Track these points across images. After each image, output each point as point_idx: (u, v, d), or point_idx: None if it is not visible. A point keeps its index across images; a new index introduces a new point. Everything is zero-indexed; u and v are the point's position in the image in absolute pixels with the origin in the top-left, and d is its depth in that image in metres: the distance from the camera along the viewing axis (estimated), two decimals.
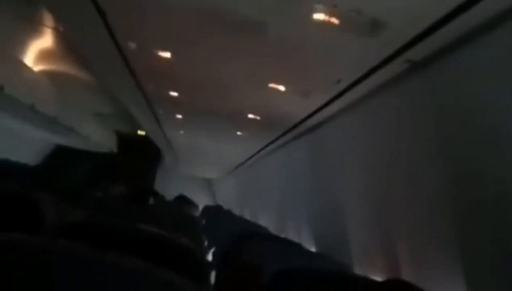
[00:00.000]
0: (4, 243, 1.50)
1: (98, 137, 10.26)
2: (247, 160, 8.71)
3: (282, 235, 5.90)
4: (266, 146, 6.67)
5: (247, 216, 9.64)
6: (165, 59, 3.91)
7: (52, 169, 7.98)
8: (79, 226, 2.38)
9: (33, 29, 5.57)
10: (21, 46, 5.86)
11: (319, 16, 2.45)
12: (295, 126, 4.93)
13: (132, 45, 3.85)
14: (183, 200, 9.56)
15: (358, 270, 3.81)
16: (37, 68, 6.60)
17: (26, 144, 8.98)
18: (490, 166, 2.25)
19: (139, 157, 12.95)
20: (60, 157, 10.48)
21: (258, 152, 7.44)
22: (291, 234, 5.88)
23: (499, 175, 2.17)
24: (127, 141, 12.44)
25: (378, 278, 3.26)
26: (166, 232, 2.44)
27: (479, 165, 2.34)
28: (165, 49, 3.76)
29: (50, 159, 10.24)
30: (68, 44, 5.92)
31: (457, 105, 2.46)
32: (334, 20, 2.45)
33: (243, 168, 9.85)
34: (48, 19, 4.89)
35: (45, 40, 6.03)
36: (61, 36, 5.83)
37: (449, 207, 2.60)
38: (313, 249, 4.92)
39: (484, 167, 2.30)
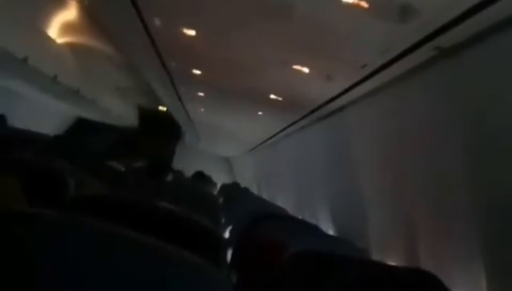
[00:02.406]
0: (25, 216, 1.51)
1: (119, 111, 10.29)
2: (267, 140, 8.69)
3: (300, 217, 5.89)
4: (287, 127, 6.64)
5: (265, 196, 9.64)
6: (190, 36, 3.90)
7: (73, 141, 8.04)
8: (98, 199, 2.39)
9: (57, 2, 5.58)
10: (46, 18, 5.87)
11: None
12: (317, 108, 4.89)
13: (157, 21, 3.84)
14: (201, 177, 9.59)
15: (375, 255, 3.80)
16: (61, 40, 6.61)
17: (48, 116, 9.04)
18: None
19: (159, 132, 12.97)
20: (81, 129, 10.54)
21: (278, 132, 7.41)
22: (308, 216, 5.88)
23: None
24: (148, 116, 12.47)
25: (395, 264, 3.25)
26: (183, 209, 2.44)
27: (503, 157, 2.31)
28: (189, 26, 3.75)
29: (71, 131, 10.31)
30: (92, 17, 5.92)
31: (483, 95, 2.43)
32: (364, 4, 2.42)
33: (262, 147, 9.82)
34: None
35: (70, 13, 6.04)
36: (86, 9, 5.82)
37: (471, 196, 2.58)
38: (330, 232, 4.91)
39: (508, 158, 2.27)
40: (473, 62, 2.48)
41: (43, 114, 8.58)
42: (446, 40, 2.48)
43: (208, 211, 3.52)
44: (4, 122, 5.97)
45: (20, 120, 6.35)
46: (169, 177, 6.56)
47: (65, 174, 2.69)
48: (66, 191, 2.57)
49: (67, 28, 6.44)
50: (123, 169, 6.95)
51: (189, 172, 10.48)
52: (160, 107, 11.99)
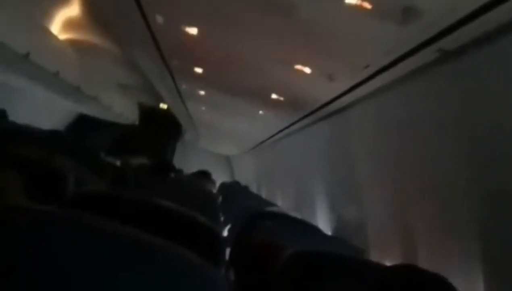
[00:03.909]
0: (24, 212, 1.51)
1: (121, 108, 10.29)
2: (267, 139, 8.69)
3: (299, 216, 5.90)
4: (288, 126, 6.63)
5: (264, 195, 9.65)
6: (191, 34, 3.90)
7: (74, 137, 8.04)
8: (98, 196, 2.39)
9: (63, 1, 5.59)
10: (48, 14, 5.87)
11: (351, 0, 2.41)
12: (318, 108, 4.88)
13: (159, 19, 3.85)
14: (201, 175, 9.60)
15: (374, 256, 3.80)
16: (63, 36, 6.61)
17: (49, 112, 9.04)
18: None
19: (160, 129, 12.98)
20: (82, 125, 10.54)
21: (279, 132, 7.41)
22: (307, 216, 5.88)
23: None
24: (149, 114, 12.47)
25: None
26: (183, 207, 2.45)
27: (503, 158, 2.31)
28: (191, 24, 3.75)
29: (73, 127, 10.31)
30: (95, 14, 5.92)
31: (486, 97, 2.42)
32: (367, 5, 2.41)
33: (263, 146, 9.83)
34: None
35: (72, 9, 6.04)
36: (88, 6, 5.83)
37: (470, 197, 2.58)
38: (329, 232, 4.91)
39: (507, 159, 2.28)
40: (476, 65, 2.48)
41: (44, 110, 8.58)
42: (449, 42, 2.48)
43: (207, 209, 3.53)
44: (4, 117, 5.97)
45: (21, 115, 6.34)
46: (170, 175, 6.57)
47: (65, 169, 2.69)
48: (67, 187, 2.57)
49: (70, 24, 6.44)
50: (123, 166, 6.97)
51: (189, 170, 10.49)
52: (161, 105, 11.99)
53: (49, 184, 2.48)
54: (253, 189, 10.77)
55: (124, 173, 5.03)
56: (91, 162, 4.38)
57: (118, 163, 7.17)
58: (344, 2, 2.42)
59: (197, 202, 3.24)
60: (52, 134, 5.55)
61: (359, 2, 2.40)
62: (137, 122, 12.28)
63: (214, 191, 9.09)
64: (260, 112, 6.47)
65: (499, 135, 2.35)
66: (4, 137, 4.03)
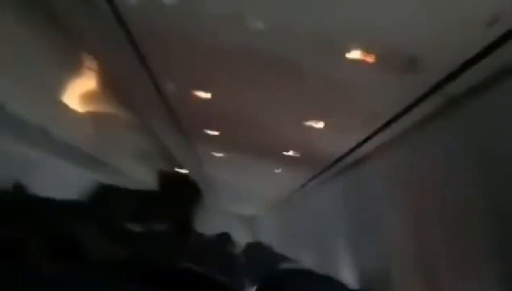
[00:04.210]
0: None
1: (140, 176, 10.34)
2: (288, 196, 8.69)
3: (323, 273, 5.83)
4: (306, 183, 6.65)
5: (289, 253, 9.56)
6: (204, 98, 3.98)
7: (94, 206, 8.08)
8: (120, 263, 2.41)
9: (76, 73, 5.73)
10: (65, 89, 6.02)
11: (354, 55, 2.47)
12: (334, 163, 4.91)
13: (171, 86, 3.94)
14: (223, 237, 9.54)
15: None
16: (81, 110, 6.75)
17: (70, 183, 9.12)
18: None
19: (180, 195, 12.95)
20: (103, 194, 10.59)
21: (298, 189, 7.42)
22: (333, 271, 5.82)
23: None
24: (169, 180, 12.45)
25: None
26: (205, 270, 2.45)
27: None
28: (203, 89, 3.83)
29: (93, 197, 10.36)
30: (110, 84, 6.05)
31: (494, 139, 2.44)
32: (370, 59, 2.48)
33: (283, 204, 9.81)
34: (91, 62, 5.02)
35: (89, 82, 6.19)
36: (103, 77, 5.97)
37: (488, 240, 2.56)
38: (355, 285, 4.85)
39: None
40: (482, 108, 2.51)
41: (65, 182, 8.66)
42: (454, 87, 2.52)
43: (230, 271, 3.52)
44: (22, 190, 6.04)
45: (41, 188, 6.41)
46: (192, 238, 6.56)
47: (86, 237, 2.72)
48: (87, 255, 2.59)
49: (87, 97, 6.58)
50: (143, 232, 6.97)
51: (211, 232, 10.43)
52: (180, 170, 12.06)
53: (69, 252, 2.50)
54: (278, 248, 10.68)
55: (145, 239, 5.04)
56: (110, 230, 4.41)
57: (138, 229, 7.17)
58: (347, 58, 2.48)
59: (217, 264, 3.24)
60: (70, 203, 5.59)
61: (362, 57, 2.45)
62: (157, 189, 12.31)
63: (238, 252, 9.03)
64: (278, 170, 6.50)
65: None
66: (24, 209, 4.08)
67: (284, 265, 5.62)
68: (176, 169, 12.36)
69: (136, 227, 6.58)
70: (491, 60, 2.16)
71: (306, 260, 7.50)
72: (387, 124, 3.32)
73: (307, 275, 4.39)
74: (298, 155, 5.21)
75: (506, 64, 2.19)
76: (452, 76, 2.40)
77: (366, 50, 2.43)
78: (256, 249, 9.63)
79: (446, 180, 3.05)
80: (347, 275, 5.30)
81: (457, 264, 2.99)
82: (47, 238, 2.36)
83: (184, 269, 2.40)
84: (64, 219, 3.50)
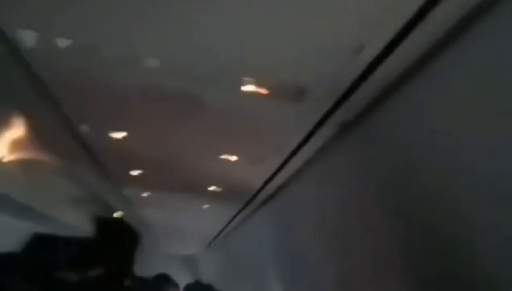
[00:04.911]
0: None
1: (74, 222, 10.17)
2: (221, 231, 8.73)
3: None
4: (234, 217, 6.73)
5: (228, 289, 9.55)
6: (122, 139, 4.02)
7: (26, 255, 7.91)
8: None
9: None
10: None
11: (248, 88, 2.61)
12: (255, 195, 5.02)
13: (87, 128, 3.97)
14: (162, 279, 9.45)
15: None
16: (6, 158, 6.66)
17: (2, 234, 8.88)
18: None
19: (116, 239, 12.75)
20: (38, 244, 10.33)
21: (229, 222, 7.48)
22: None
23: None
24: (103, 225, 12.28)
25: None
26: None
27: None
28: (119, 129, 3.88)
29: (28, 247, 10.10)
30: (34, 132, 6.01)
31: (393, 158, 2.60)
32: (263, 91, 2.62)
33: (219, 240, 9.83)
34: (6, 113, 5.01)
35: (14, 131, 6.13)
36: (28, 126, 5.93)
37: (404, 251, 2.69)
38: None
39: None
40: (374, 135, 2.68)
41: None
42: (344, 114, 2.69)
43: None
44: None
45: None
46: (127, 282, 6.49)
47: (17, 288, 2.72)
48: None
49: (14, 146, 6.51)
50: (77, 279, 6.86)
51: (150, 274, 10.32)
52: (115, 214, 11.92)
53: None
54: (217, 285, 10.64)
55: (80, 286, 5.00)
56: (43, 279, 4.36)
57: (73, 276, 7.05)
58: (242, 91, 2.62)
59: None
60: (5, 257, 5.48)
61: (256, 89, 2.59)
62: (93, 235, 12.08)
63: None
64: (205, 206, 6.55)
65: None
66: None
67: None
68: (109, 213, 12.22)
69: (70, 275, 6.48)
70: (374, 82, 2.33)
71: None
72: (292, 154, 3.46)
73: None
74: (219, 190, 5.30)
75: (380, 90, 2.37)
76: (338, 103, 2.56)
77: (259, 83, 2.57)
78: (196, 288, 9.58)
79: (357, 198, 3.19)
80: None
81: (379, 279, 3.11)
82: None
83: None
84: None
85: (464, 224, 2.08)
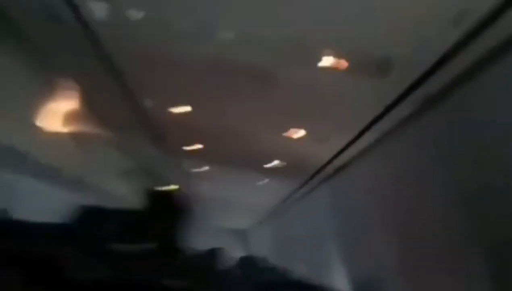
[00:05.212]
0: None
1: (126, 195, 10.29)
2: (277, 207, 8.67)
3: (317, 282, 5.82)
4: (294, 192, 6.63)
5: (283, 264, 9.53)
6: (184, 113, 3.95)
7: (79, 228, 8.03)
8: (103, 282, 2.39)
9: (54, 95, 5.69)
10: (42, 110, 5.98)
11: (327, 61, 2.47)
12: (318, 171, 4.90)
13: (150, 102, 3.91)
14: (216, 252, 9.48)
15: None
16: (61, 132, 6.70)
17: (54, 206, 9.04)
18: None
19: (168, 212, 12.91)
20: (87, 215, 10.51)
21: (286, 199, 7.41)
22: (326, 280, 5.80)
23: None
24: (156, 197, 12.44)
25: None
26: (186, 285, 2.43)
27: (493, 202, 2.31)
28: (182, 103, 3.81)
29: (77, 218, 10.29)
30: (91, 105, 6.02)
31: (471, 139, 2.44)
32: (342, 65, 2.47)
33: (275, 216, 9.80)
34: (68, 83, 4.98)
35: (66, 104, 6.14)
36: (83, 98, 5.93)
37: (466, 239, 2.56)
38: None
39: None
40: (459, 108, 2.50)
41: (49, 205, 8.57)
42: (429, 88, 2.52)
43: (217, 284, 3.49)
44: (6, 216, 5.97)
45: (25, 213, 6.34)
46: (180, 256, 6.51)
47: (69, 258, 2.70)
48: (71, 277, 2.57)
49: (68, 119, 6.54)
50: (130, 252, 6.91)
51: (202, 248, 10.38)
52: (166, 187, 12.01)
53: (51, 274, 2.48)
54: (271, 260, 10.64)
55: (131, 258, 5.01)
56: (96, 251, 4.37)
57: (124, 249, 7.11)
58: (320, 64, 2.47)
59: (203, 279, 3.21)
60: (56, 225, 5.54)
61: (334, 63, 2.45)
62: (143, 208, 12.25)
63: (230, 266, 8.97)
64: (265, 180, 6.47)
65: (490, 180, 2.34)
66: (8, 235, 4.04)
67: (277, 277, 5.60)
68: (163, 186, 12.34)
69: (122, 248, 6.50)
70: (460, 59, 2.16)
71: (300, 270, 7.47)
72: (365, 129, 3.32)
73: (299, 285, 4.38)
74: (282, 165, 5.20)
75: (477, 60, 2.19)
76: (424, 77, 2.40)
77: (338, 56, 2.43)
78: (250, 262, 9.59)
79: (428, 183, 3.05)
80: (340, 283, 5.29)
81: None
82: (31, 261, 2.34)
83: (163, 286, 2.38)
84: (48, 242, 3.47)
85: None
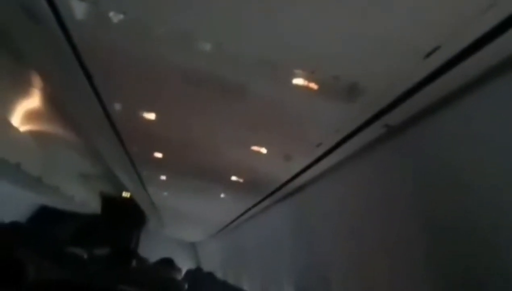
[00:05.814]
0: None
1: (83, 198, 10.17)
2: (231, 222, 8.68)
3: None
4: (250, 208, 6.66)
5: (231, 279, 9.53)
6: (150, 120, 3.96)
7: (36, 229, 7.90)
8: (58, 284, 2.38)
9: (20, 90, 5.62)
10: (8, 106, 5.89)
11: (298, 81, 2.52)
12: (278, 189, 4.95)
13: (117, 107, 3.90)
14: (165, 263, 9.43)
15: None
16: (23, 128, 6.60)
17: (10, 204, 8.87)
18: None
19: (123, 218, 12.82)
20: (44, 217, 10.36)
21: (242, 214, 7.43)
22: None
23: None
24: (111, 203, 12.34)
25: None
26: None
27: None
28: (149, 110, 3.81)
29: (34, 219, 10.12)
30: (55, 105, 5.95)
31: (431, 167, 2.52)
32: (313, 85, 2.53)
33: (227, 230, 9.80)
34: (36, 80, 4.94)
35: (32, 101, 6.06)
36: (48, 97, 5.86)
37: (433, 268, 2.63)
38: None
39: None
40: (422, 138, 2.59)
41: (5, 203, 8.42)
42: (394, 117, 2.60)
43: None
44: None
45: None
46: (133, 263, 6.47)
47: (25, 259, 2.68)
48: (26, 277, 2.55)
49: (30, 115, 6.45)
50: (85, 256, 6.84)
51: (153, 258, 10.32)
52: (124, 194, 11.90)
53: (8, 274, 2.46)
54: (220, 274, 10.63)
55: (86, 262, 4.97)
56: (52, 253, 4.32)
57: (80, 253, 7.04)
58: (291, 83, 2.53)
59: (156, 288, 3.22)
60: (13, 226, 5.46)
61: (305, 83, 2.51)
62: (99, 212, 12.13)
63: (180, 278, 8.94)
64: (222, 195, 6.50)
65: (449, 201, 2.42)
66: None
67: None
68: (120, 192, 12.22)
69: (79, 252, 6.42)
70: (427, 91, 2.24)
71: (249, 285, 7.49)
72: (329, 152, 3.38)
73: None
74: (242, 180, 5.23)
75: (441, 96, 2.27)
76: (392, 105, 2.47)
77: (309, 77, 2.49)
78: (198, 276, 9.56)
79: (384, 205, 3.12)
80: None
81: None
82: None
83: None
84: (5, 243, 3.43)
85: None
